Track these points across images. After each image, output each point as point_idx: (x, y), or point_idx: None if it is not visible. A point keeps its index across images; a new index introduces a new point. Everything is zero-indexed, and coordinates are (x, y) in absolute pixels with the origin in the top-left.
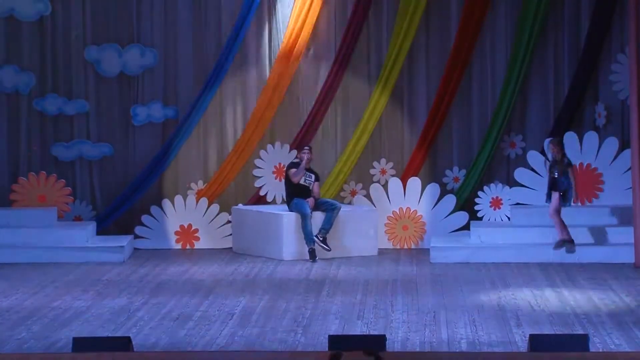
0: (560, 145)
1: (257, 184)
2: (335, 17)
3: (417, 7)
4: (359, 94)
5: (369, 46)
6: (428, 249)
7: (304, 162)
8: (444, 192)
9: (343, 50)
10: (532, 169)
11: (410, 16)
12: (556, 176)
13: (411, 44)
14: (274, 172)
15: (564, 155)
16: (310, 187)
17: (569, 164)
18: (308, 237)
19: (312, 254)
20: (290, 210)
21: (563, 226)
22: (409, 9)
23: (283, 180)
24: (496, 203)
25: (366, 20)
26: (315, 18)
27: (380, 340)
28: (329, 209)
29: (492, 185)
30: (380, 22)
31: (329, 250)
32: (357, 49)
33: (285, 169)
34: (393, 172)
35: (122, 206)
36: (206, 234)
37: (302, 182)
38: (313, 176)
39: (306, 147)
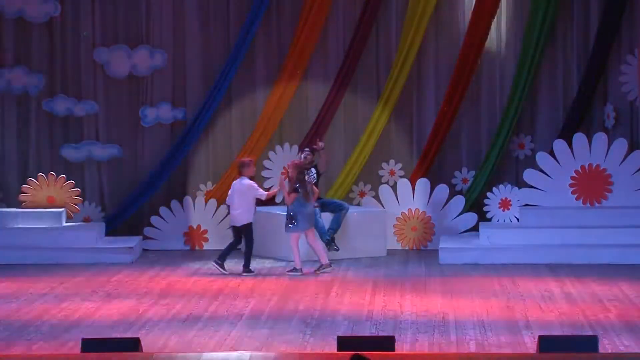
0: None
1: (265, 185)
2: (344, 17)
3: (426, 7)
4: (368, 95)
5: (377, 47)
6: (437, 250)
7: (303, 160)
8: (452, 193)
9: (352, 50)
10: (541, 170)
11: (419, 16)
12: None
13: (420, 45)
14: (282, 173)
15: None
16: (315, 181)
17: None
18: (322, 231)
19: (331, 244)
20: None
21: (297, 251)
22: (418, 9)
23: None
24: (505, 204)
25: (375, 20)
26: (324, 15)
27: (389, 341)
28: (337, 210)
29: (501, 186)
30: (389, 21)
31: (338, 250)
32: (366, 49)
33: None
34: (402, 173)
35: (131, 207)
36: (215, 235)
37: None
38: (313, 170)
39: (306, 149)
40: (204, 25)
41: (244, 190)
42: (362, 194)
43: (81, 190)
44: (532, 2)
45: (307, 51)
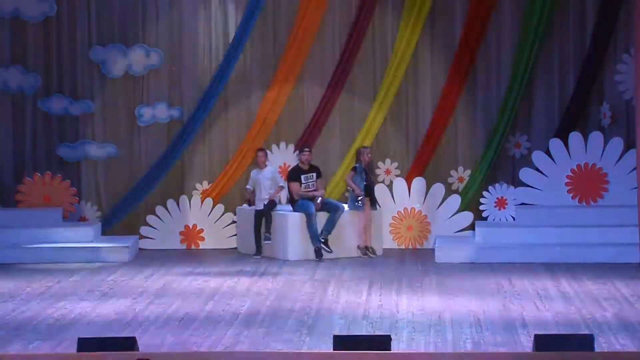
0: (371, 154)
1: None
2: (340, 17)
3: (423, 7)
4: (364, 94)
5: (374, 46)
6: (433, 249)
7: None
8: (448, 192)
9: (349, 49)
10: (537, 169)
11: (416, 16)
12: (368, 183)
13: (416, 44)
14: (278, 172)
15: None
16: (314, 187)
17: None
18: (314, 237)
19: (319, 253)
20: (295, 211)
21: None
22: (415, 9)
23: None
24: (501, 203)
25: (371, 20)
26: (320, 13)
27: (385, 340)
28: (332, 210)
29: (497, 185)
30: (385, 21)
31: (330, 252)
32: (362, 49)
33: (288, 173)
34: (398, 172)
35: (128, 206)
36: (211, 234)
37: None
38: (314, 175)
39: (306, 149)
40: (200, 24)
41: None
42: None
43: (77, 189)
44: (528, 1)
45: (303, 51)
